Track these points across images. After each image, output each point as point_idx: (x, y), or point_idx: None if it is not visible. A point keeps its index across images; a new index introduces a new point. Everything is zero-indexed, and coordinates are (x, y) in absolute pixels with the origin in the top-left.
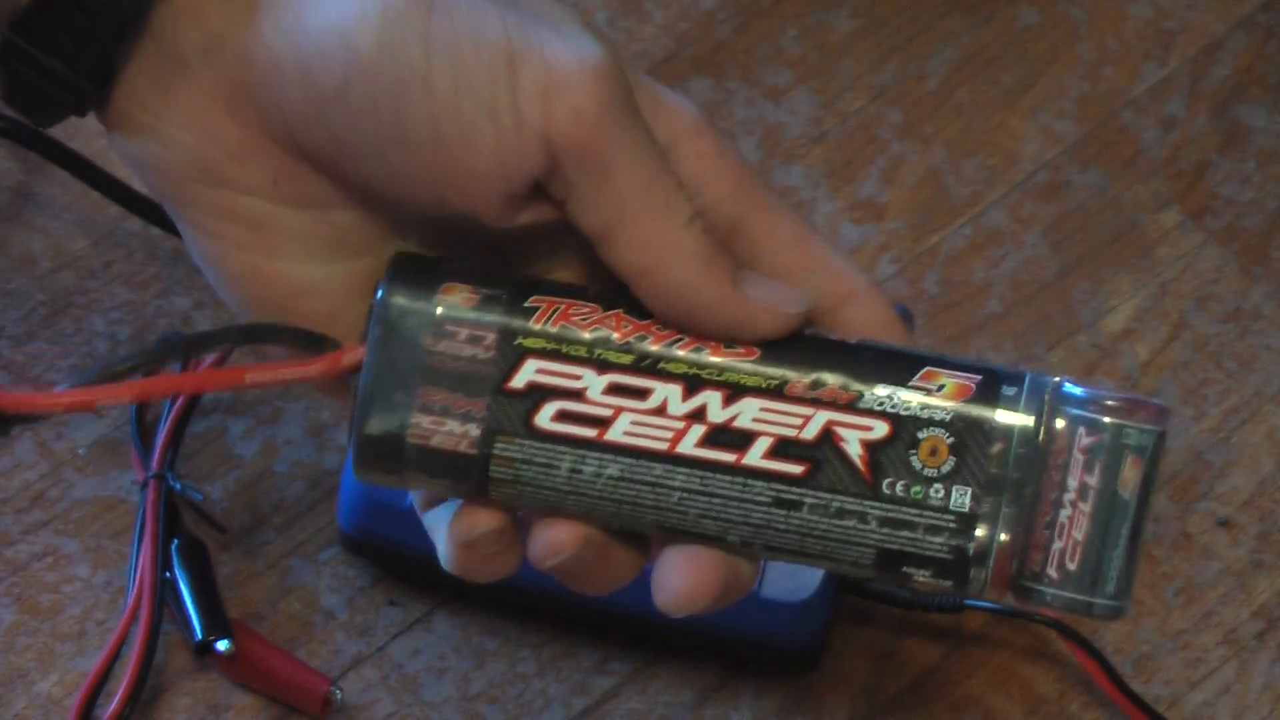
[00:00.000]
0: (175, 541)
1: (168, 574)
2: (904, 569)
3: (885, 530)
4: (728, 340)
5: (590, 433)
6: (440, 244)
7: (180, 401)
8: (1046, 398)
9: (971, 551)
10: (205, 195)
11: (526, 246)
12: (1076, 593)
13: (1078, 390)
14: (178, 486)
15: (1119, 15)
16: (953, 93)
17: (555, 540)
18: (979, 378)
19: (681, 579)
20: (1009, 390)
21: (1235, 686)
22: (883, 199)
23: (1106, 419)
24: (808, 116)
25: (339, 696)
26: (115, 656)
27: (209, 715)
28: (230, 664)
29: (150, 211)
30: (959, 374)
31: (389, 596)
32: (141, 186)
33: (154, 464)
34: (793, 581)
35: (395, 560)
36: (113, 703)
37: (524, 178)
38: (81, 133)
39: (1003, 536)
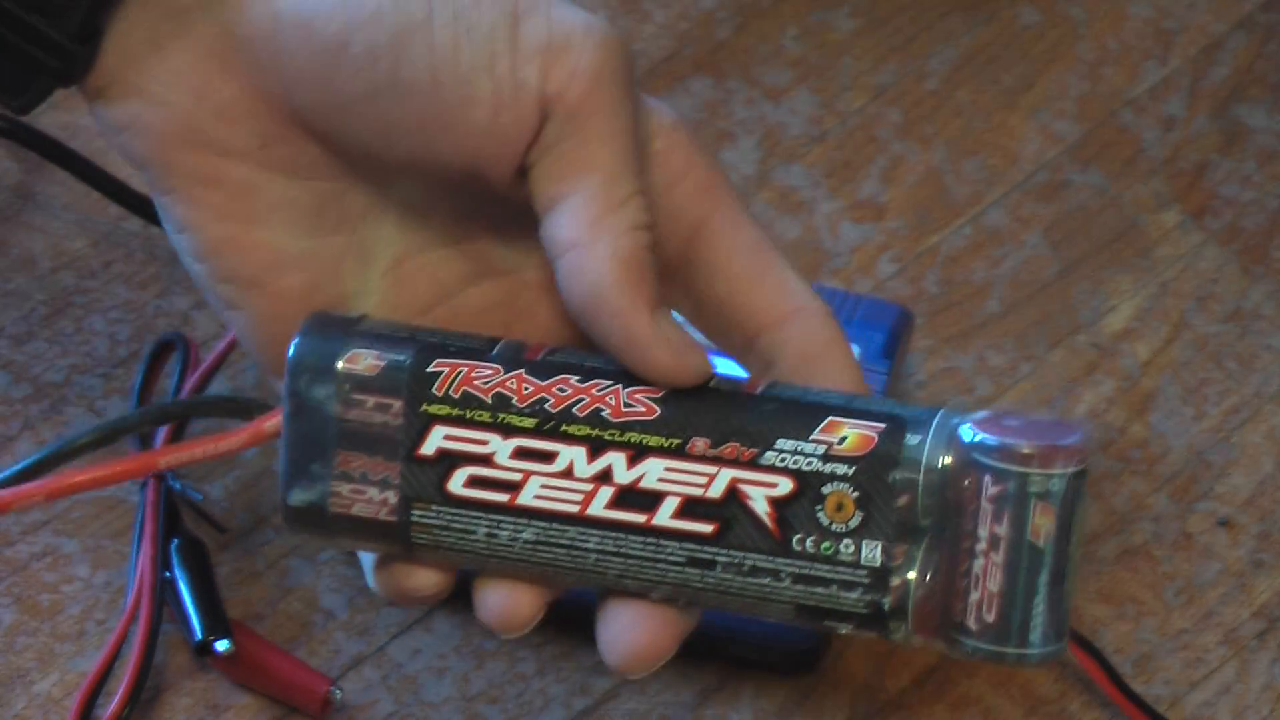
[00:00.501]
0: (175, 541)
1: (167, 574)
2: (825, 622)
3: (800, 587)
4: (621, 363)
5: (502, 498)
6: (420, 221)
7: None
8: (952, 446)
9: (888, 606)
10: (190, 160)
11: (499, 234)
12: (997, 645)
13: (985, 437)
14: (177, 486)
15: (1119, 15)
16: (953, 93)
17: (515, 613)
18: (882, 427)
19: (633, 639)
20: (912, 439)
21: (1236, 686)
22: (883, 199)
23: (1012, 467)
24: (808, 116)
25: (339, 696)
26: (115, 656)
27: (209, 715)
28: (230, 664)
29: (150, 211)
30: (863, 424)
31: None
32: (140, 185)
33: None
34: None
35: None
36: (113, 703)
37: (521, 137)
38: (82, 133)
39: (919, 589)
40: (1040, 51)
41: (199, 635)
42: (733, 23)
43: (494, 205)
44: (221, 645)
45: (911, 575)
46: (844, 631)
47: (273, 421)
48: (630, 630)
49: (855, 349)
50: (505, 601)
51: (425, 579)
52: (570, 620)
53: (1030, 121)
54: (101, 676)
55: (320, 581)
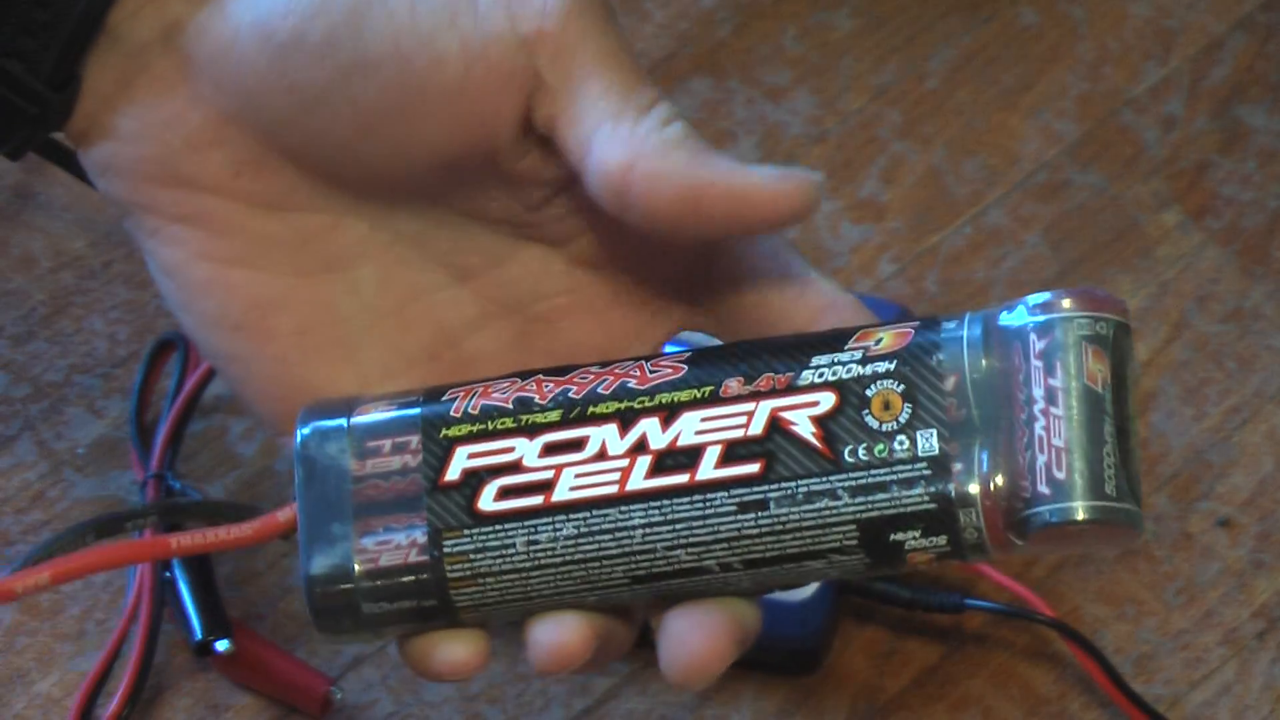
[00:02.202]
0: None
1: (167, 574)
2: (892, 537)
3: (860, 500)
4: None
5: (536, 500)
6: (421, 256)
7: (180, 401)
8: (989, 326)
9: (954, 493)
10: (166, 197)
11: (504, 266)
12: (1074, 500)
13: (1020, 304)
14: (177, 486)
15: (1119, 15)
16: (953, 93)
17: (565, 645)
18: (917, 323)
19: (690, 645)
20: (949, 323)
21: (1236, 686)
22: (883, 199)
23: (1056, 315)
24: (808, 116)
25: (339, 696)
26: (115, 656)
27: (209, 715)
28: (230, 664)
29: None
30: (897, 326)
31: None
32: None
33: (154, 464)
34: None
35: None
36: (113, 703)
37: (501, 90)
38: None
39: (982, 469)
40: (1040, 51)
41: (199, 635)
42: (733, 23)
43: (496, 233)
44: (221, 645)
45: (972, 459)
46: (912, 544)
47: (286, 512)
48: (683, 639)
49: None
50: (553, 634)
51: (453, 648)
52: None
53: (1030, 121)
54: (101, 676)
55: None
